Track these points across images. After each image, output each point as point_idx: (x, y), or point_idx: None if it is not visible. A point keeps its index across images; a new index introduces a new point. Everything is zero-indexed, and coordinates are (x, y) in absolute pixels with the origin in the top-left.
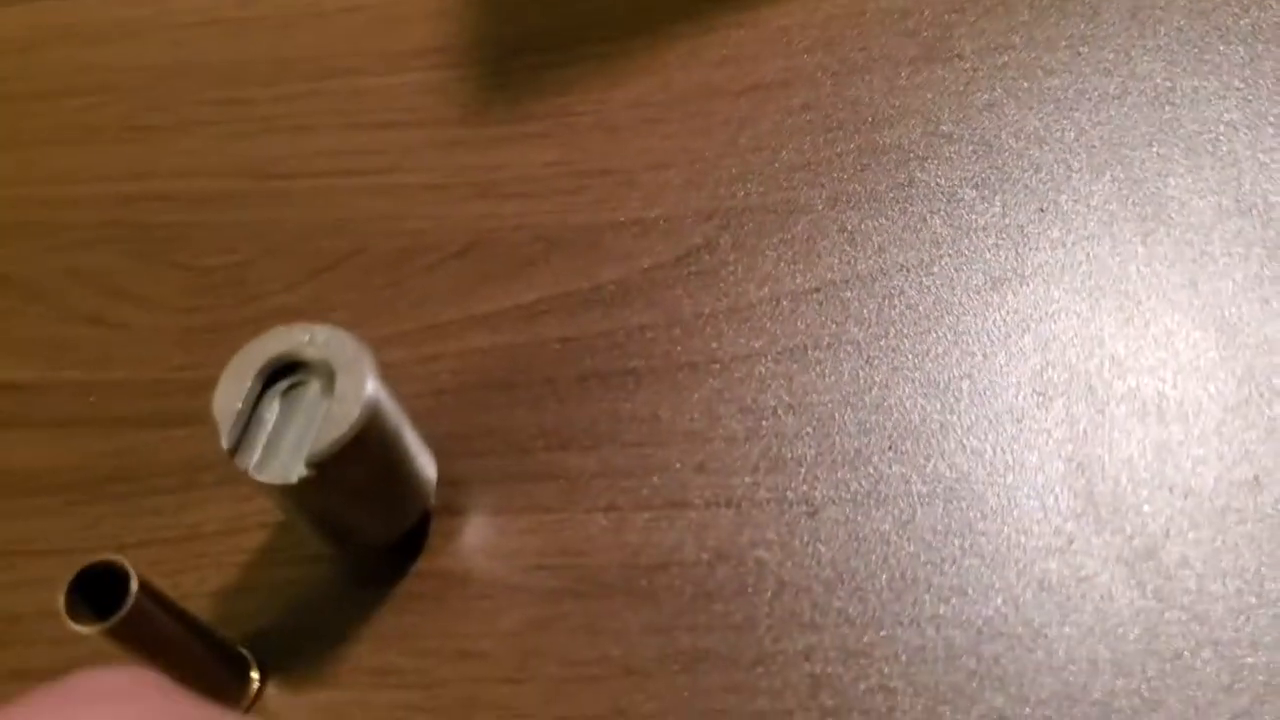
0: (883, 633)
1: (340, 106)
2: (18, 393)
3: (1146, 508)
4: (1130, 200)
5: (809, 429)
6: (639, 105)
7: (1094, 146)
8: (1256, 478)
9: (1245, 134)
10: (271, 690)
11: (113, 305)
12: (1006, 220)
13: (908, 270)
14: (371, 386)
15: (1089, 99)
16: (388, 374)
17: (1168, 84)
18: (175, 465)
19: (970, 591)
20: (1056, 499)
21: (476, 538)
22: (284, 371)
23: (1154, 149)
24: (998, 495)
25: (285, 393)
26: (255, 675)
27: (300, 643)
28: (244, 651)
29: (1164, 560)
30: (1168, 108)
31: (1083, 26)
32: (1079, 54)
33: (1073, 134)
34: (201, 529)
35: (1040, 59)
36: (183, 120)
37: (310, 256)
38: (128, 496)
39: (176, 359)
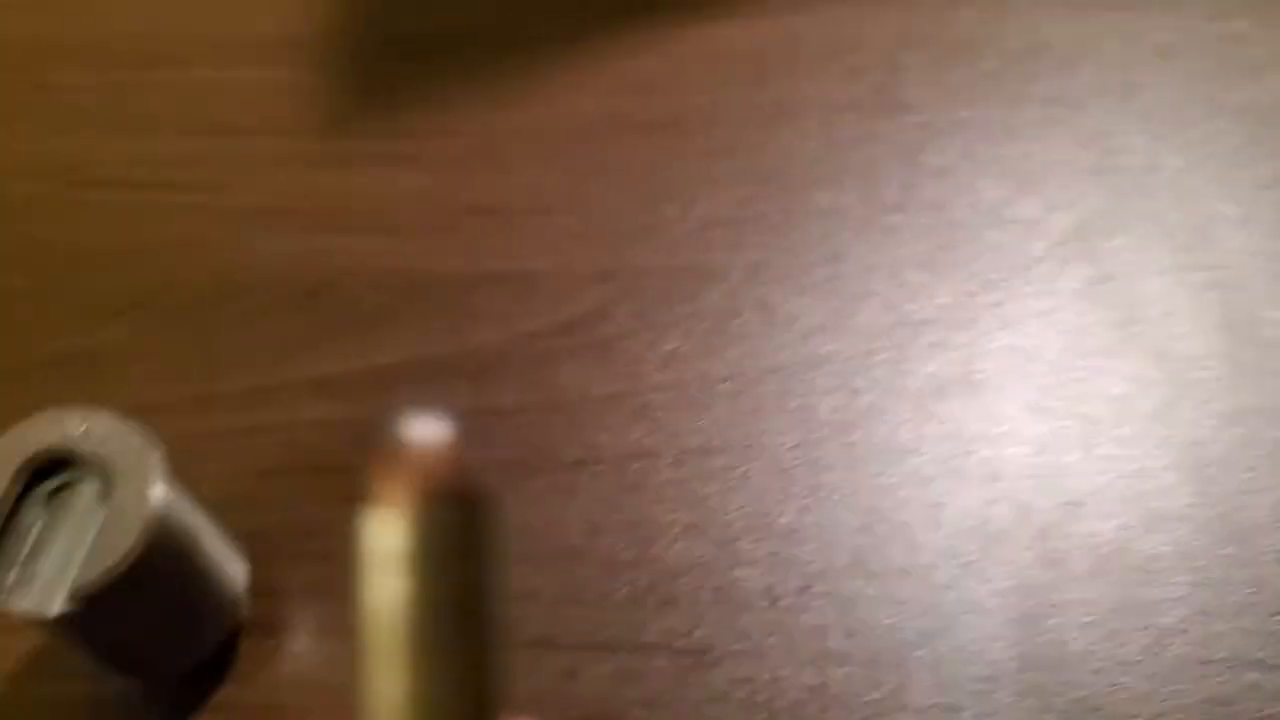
0: None
1: (168, 103)
2: None
3: None
4: (1105, 302)
5: (707, 557)
6: (527, 133)
7: (1063, 231)
8: None
9: (1243, 232)
10: None
11: None
12: (957, 312)
13: (837, 363)
14: (158, 496)
15: (1060, 172)
16: (196, 445)
17: (1150, 162)
18: None
19: None
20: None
21: (297, 665)
22: (53, 468)
23: (1133, 238)
24: (923, 649)
25: (52, 494)
26: None
27: None
28: None
29: None
30: (1152, 192)
31: (1057, 84)
32: (1051, 116)
33: (1038, 212)
34: None
35: (1005, 119)
36: None
37: (111, 290)
38: None
39: None
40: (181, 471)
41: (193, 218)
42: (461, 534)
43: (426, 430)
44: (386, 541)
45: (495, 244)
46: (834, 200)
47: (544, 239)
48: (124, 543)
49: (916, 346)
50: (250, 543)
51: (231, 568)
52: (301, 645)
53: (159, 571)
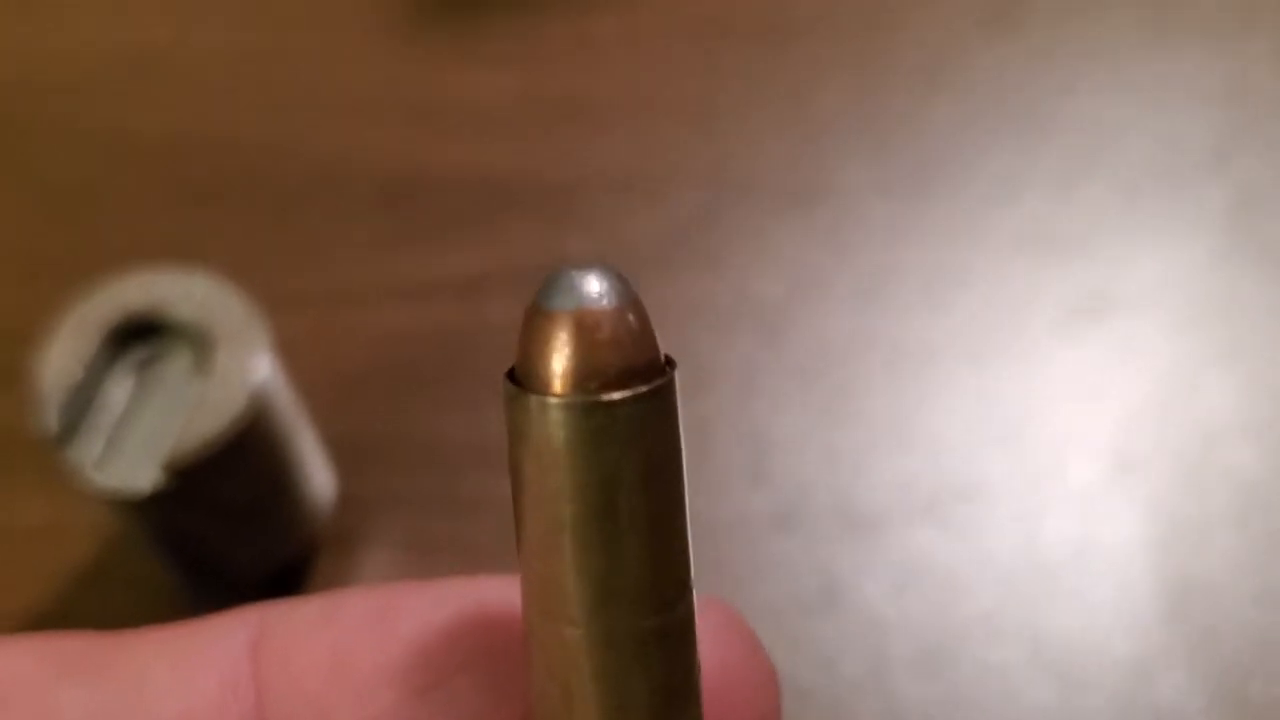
0: None
1: None
2: None
3: None
4: None
5: (813, 467)
6: (631, 31)
7: None
8: None
9: None
10: None
11: None
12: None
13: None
14: (264, 368)
15: None
16: (281, 351)
17: None
18: None
19: None
20: None
21: (377, 580)
22: (143, 334)
23: None
24: None
25: (144, 364)
26: None
27: None
28: None
29: None
30: None
31: None
32: None
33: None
34: (14, 526)
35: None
36: None
37: (179, 180)
38: None
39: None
40: None
41: (276, 112)
42: (645, 417)
43: (601, 290)
44: (550, 430)
45: (591, 148)
46: (955, 110)
47: (647, 142)
48: (228, 412)
49: (1049, 263)
50: (332, 452)
51: (320, 472)
52: (380, 560)
53: (259, 449)
